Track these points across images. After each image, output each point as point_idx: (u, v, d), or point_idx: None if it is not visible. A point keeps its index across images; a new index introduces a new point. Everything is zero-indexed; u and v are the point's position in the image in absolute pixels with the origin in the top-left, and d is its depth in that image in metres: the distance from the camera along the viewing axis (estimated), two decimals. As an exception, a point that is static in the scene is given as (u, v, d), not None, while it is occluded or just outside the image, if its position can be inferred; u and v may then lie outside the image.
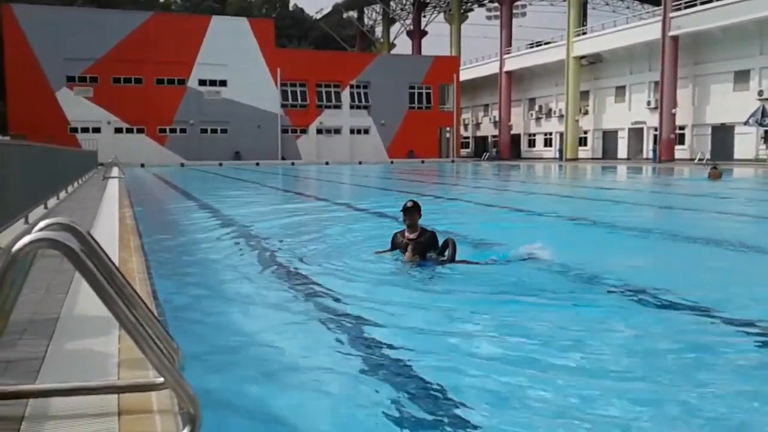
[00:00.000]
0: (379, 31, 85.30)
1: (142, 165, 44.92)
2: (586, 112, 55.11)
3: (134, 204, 14.11)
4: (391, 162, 54.13)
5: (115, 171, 27.79)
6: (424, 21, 76.47)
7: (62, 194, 14.98)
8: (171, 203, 17.90)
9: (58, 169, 14.29)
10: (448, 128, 62.09)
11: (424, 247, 7.07)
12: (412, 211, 7.15)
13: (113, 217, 10.61)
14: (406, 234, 7.23)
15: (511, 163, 52.19)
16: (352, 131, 58.79)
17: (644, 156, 49.48)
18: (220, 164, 47.34)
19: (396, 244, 7.42)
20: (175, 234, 10.62)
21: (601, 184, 26.52)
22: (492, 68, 63.70)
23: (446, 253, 7.07)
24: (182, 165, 47.50)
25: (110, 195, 15.80)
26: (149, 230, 10.30)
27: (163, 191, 23.57)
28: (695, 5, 43.61)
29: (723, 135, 43.70)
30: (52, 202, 12.75)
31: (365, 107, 58.99)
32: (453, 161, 56.86)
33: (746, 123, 38.70)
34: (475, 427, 3.31)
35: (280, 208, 16.27)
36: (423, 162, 53.96)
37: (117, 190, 17.43)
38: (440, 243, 7.24)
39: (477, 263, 7.13)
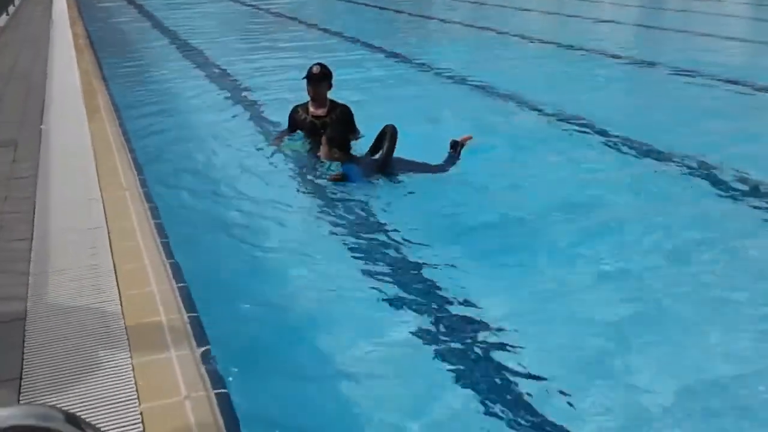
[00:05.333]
0: None
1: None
2: None
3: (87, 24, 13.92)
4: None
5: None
6: None
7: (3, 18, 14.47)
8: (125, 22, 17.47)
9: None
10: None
11: (342, 131, 5.09)
12: (318, 79, 5.31)
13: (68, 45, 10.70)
14: (310, 109, 5.43)
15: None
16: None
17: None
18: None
19: (297, 123, 5.51)
20: (136, 63, 10.73)
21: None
22: None
23: (381, 151, 4.89)
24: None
25: (59, 13, 15.39)
26: (107, 55, 10.43)
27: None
28: None
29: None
30: None
31: None
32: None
33: None
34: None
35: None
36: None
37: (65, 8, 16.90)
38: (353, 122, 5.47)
39: (424, 166, 5.03)
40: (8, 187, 4.11)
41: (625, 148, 5.77)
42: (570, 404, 2.59)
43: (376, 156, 4.94)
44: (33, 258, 3.14)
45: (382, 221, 4.33)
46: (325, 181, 4.85)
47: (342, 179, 4.77)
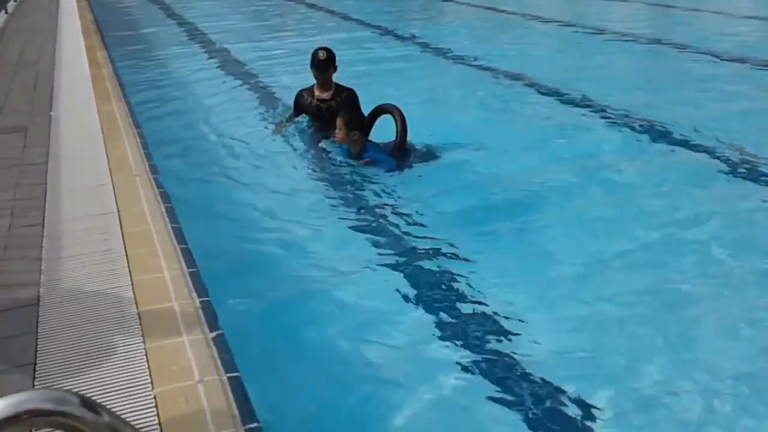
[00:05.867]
0: None
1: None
2: None
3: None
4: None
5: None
6: None
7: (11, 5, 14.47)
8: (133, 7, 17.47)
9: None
10: None
11: (357, 114, 5.00)
12: (325, 66, 5.28)
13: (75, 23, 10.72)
14: (316, 93, 5.40)
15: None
16: None
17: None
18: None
19: (302, 107, 5.48)
20: (144, 49, 10.74)
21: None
22: None
23: (396, 134, 4.88)
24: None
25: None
26: (115, 41, 10.46)
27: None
28: None
29: None
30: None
31: None
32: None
33: None
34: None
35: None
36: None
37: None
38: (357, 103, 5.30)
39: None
40: (19, 173, 4.12)
41: (635, 129, 5.71)
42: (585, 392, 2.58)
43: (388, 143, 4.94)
44: (45, 244, 3.15)
45: (394, 205, 4.33)
46: (338, 164, 4.86)
47: (370, 162, 4.76)
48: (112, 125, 5.16)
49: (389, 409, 2.50)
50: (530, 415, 2.46)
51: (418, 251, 3.70)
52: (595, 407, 2.48)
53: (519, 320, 3.01)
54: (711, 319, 3.04)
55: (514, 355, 2.78)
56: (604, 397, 2.53)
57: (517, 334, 2.92)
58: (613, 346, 2.88)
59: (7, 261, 3.03)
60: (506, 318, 3.03)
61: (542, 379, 2.63)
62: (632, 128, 5.70)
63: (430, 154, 4.96)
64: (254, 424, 1.96)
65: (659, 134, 5.51)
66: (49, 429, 1.12)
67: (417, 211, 4.16)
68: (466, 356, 2.77)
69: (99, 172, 4.10)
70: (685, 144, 5.26)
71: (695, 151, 5.14)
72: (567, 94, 6.73)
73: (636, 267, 3.52)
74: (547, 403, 2.51)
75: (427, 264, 3.56)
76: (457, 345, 2.85)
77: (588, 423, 2.42)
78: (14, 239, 3.24)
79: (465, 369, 2.70)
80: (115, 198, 3.66)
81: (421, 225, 4.00)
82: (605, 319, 3.06)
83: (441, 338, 2.90)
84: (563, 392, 2.55)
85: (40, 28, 10.92)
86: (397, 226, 4.03)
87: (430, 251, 3.68)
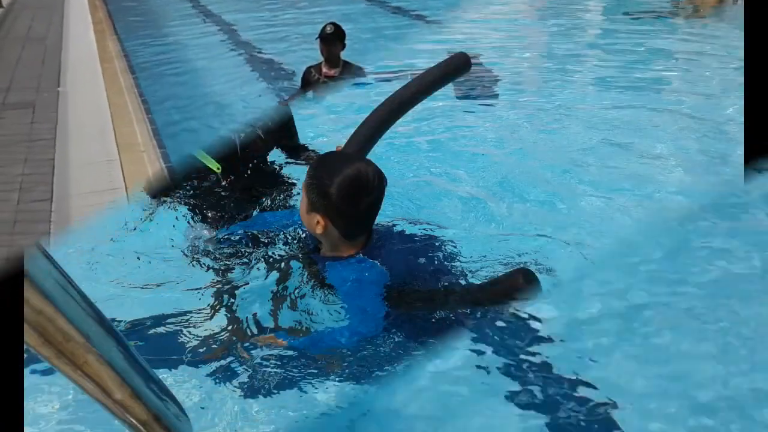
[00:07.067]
0: None
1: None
2: None
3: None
4: None
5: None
6: None
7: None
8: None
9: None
10: None
11: None
12: (331, 40, 5.31)
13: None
14: (323, 69, 5.44)
15: None
16: None
17: None
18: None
19: (309, 83, 5.58)
20: (152, 24, 10.70)
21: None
22: None
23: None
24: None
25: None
26: (122, 17, 10.42)
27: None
28: None
29: None
30: None
31: None
32: None
33: None
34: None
35: None
36: None
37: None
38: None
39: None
40: (28, 149, 4.14)
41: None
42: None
43: None
44: (53, 219, 3.17)
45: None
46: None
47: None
48: (120, 101, 5.17)
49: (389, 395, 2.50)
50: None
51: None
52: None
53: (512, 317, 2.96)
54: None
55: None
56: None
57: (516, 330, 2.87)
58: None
59: (17, 235, 3.06)
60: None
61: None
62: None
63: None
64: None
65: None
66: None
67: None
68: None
69: (107, 148, 4.11)
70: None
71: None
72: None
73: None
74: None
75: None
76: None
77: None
78: (23, 214, 3.27)
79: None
80: (123, 174, 3.68)
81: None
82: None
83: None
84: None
85: (48, 4, 10.89)
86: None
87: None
